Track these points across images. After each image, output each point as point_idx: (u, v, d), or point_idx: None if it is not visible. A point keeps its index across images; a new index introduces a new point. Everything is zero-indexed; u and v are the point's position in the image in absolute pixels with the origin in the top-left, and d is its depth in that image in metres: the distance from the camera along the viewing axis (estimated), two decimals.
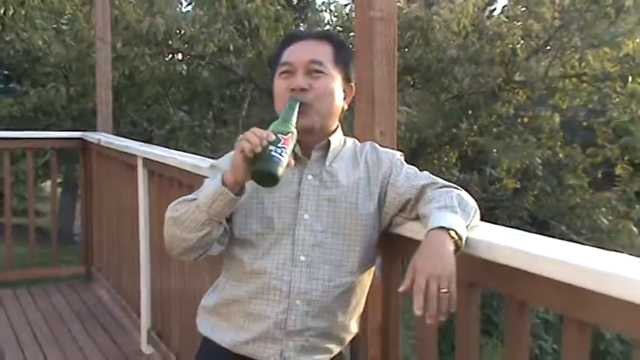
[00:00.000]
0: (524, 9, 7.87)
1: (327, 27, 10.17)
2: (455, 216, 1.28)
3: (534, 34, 8.05)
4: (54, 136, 5.06)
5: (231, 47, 6.54)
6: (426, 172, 1.48)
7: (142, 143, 3.84)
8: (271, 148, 1.27)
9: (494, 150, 8.63)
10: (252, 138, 1.26)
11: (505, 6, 9.41)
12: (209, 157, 2.73)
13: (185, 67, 7.02)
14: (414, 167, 1.50)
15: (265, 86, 7.90)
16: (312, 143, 1.47)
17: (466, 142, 9.17)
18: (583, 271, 1.07)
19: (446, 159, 9.77)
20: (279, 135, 1.30)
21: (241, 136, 1.29)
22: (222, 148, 7.82)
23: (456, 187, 1.42)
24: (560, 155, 8.92)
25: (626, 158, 8.52)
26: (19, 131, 5.35)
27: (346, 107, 1.52)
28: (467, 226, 1.30)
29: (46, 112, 7.96)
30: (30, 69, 8.66)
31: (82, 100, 8.00)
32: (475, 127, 8.86)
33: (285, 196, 1.45)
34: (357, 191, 1.45)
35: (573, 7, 7.61)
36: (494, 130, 9.01)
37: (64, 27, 7.99)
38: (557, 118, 8.60)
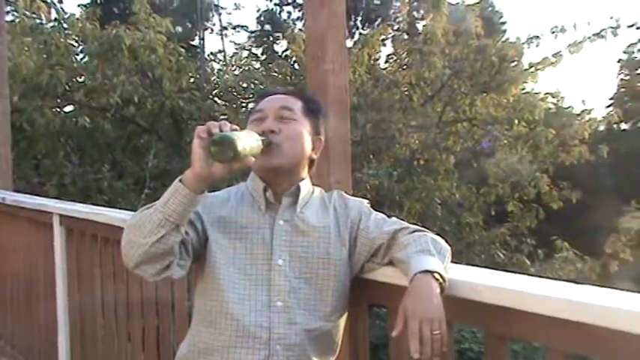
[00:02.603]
0: (418, 57, 8.30)
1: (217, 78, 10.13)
2: (434, 259, 1.33)
3: (427, 81, 8.49)
4: None
5: (136, 99, 6.42)
6: (394, 218, 1.53)
7: (57, 200, 3.66)
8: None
9: (396, 194, 8.89)
10: (210, 123, 1.26)
11: (389, 55, 9.90)
12: (131, 210, 2.63)
13: (88, 119, 6.77)
14: (381, 214, 1.54)
15: (168, 138, 7.78)
16: (282, 189, 1.49)
17: (368, 186, 9.40)
18: (571, 304, 1.15)
19: None
20: (242, 130, 1.32)
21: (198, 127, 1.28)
22: (119, 201, 7.56)
23: (426, 231, 1.47)
24: (457, 195, 9.34)
25: (516, 196, 9.06)
26: None
27: (315, 157, 1.55)
28: (444, 268, 1.35)
29: None
30: None
31: None
32: (377, 171, 9.12)
33: (257, 241, 1.45)
34: (328, 237, 1.48)
35: (461, 57, 8.13)
36: (394, 172, 9.32)
37: None
38: (452, 160, 9.03)
